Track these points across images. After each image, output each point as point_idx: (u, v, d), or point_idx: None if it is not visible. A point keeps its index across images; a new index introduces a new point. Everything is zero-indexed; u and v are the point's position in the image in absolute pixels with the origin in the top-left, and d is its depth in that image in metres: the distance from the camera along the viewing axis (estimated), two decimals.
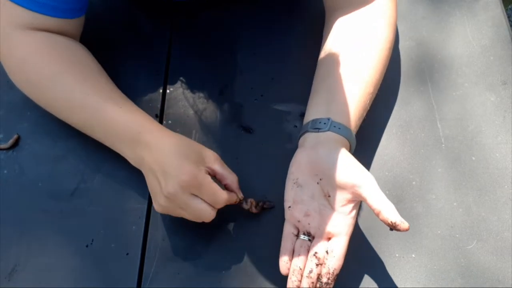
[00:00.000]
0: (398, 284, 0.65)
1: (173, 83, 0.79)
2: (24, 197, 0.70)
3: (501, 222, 0.68)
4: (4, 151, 0.73)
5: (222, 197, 0.62)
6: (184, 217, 0.63)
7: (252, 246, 0.67)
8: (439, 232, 0.68)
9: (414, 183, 0.71)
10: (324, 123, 0.64)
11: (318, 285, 0.60)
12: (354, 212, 0.61)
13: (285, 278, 0.64)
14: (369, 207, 0.59)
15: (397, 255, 0.66)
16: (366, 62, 0.69)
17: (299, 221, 0.63)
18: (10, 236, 0.67)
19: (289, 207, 0.64)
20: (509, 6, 1.54)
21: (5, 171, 0.71)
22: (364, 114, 0.69)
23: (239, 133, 0.75)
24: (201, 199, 0.61)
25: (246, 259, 0.66)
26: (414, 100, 0.78)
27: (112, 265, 0.65)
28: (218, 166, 0.64)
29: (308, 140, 0.65)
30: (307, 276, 0.60)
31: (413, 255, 0.66)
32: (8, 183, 0.71)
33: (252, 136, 0.74)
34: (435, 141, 0.74)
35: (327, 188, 0.62)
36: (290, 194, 0.64)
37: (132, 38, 0.83)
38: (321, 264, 0.60)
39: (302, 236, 0.63)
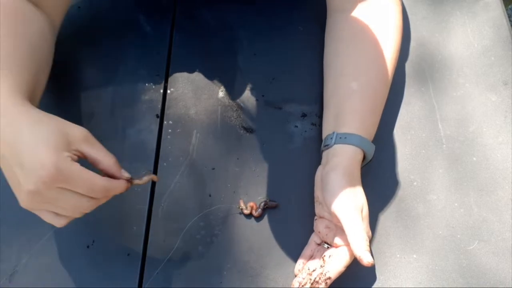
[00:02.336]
0: (399, 285, 0.64)
1: (173, 83, 0.79)
2: None
3: (502, 222, 0.68)
4: None
5: (100, 184, 0.53)
6: (51, 212, 0.55)
7: (253, 247, 0.67)
8: (440, 232, 0.68)
9: (415, 183, 0.71)
10: (331, 138, 0.66)
11: (311, 283, 0.60)
12: None
13: (286, 278, 0.65)
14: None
15: (398, 255, 0.66)
16: (377, 67, 0.69)
17: (319, 232, 0.65)
18: (11, 237, 0.67)
19: (316, 219, 0.67)
20: (509, 6, 1.54)
21: None
22: (379, 115, 0.70)
23: (240, 133, 0.75)
24: (73, 191, 0.52)
25: (247, 259, 0.66)
26: (415, 100, 0.78)
27: (113, 266, 0.65)
28: (87, 147, 0.54)
29: (323, 158, 0.68)
30: (308, 274, 0.62)
31: (414, 256, 0.66)
32: (9, 184, 0.70)
33: (253, 137, 0.74)
34: (436, 141, 0.74)
35: None
36: (316, 209, 0.67)
37: (132, 39, 0.82)
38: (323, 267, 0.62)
39: (324, 245, 0.65)
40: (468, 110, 0.77)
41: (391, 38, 0.72)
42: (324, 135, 0.70)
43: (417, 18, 0.85)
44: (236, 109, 0.76)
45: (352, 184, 0.63)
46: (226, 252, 0.66)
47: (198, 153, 0.73)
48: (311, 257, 0.64)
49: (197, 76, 0.79)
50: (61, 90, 0.77)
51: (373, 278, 0.65)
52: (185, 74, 0.79)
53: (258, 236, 0.67)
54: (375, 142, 0.70)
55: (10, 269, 0.65)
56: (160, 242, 0.67)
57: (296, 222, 0.68)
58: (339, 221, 0.61)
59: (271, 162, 0.72)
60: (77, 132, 0.53)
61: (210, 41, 0.83)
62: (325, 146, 0.67)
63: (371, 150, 0.67)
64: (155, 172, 0.71)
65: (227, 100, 0.77)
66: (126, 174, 0.57)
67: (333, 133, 0.66)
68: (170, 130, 0.75)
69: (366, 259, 0.57)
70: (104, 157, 0.55)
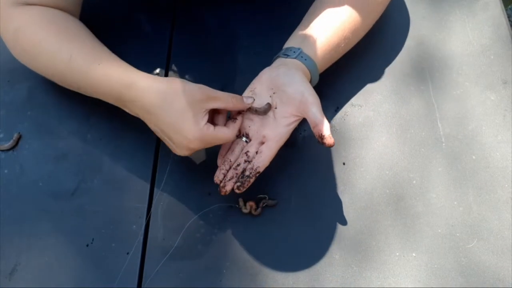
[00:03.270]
0: (398, 283, 0.64)
1: None
2: (25, 197, 0.70)
3: (502, 221, 0.68)
4: (3, 151, 0.73)
5: (231, 136, 0.66)
6: None
7: (252, 245, 0.67)
8: (439, 231, 0.68)
9: (414, 182, 0.71)
10: (294, 52, 0.71)
11: (240, 178, 0.66)
12: (291, 126, 0.67)
13: (285, 277, 0.65)
14: (308, 121, 0.65)
15: (397, 254, 0.66)
16: (350, 12, 0.73)
17: (242, 123, 0.69)
18: (10, 236, 0.67)
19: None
20: (509, 6, 1.54)
21: (6, 171, 0.71)
22: (336, 57, 0.75)
23: None
24: None
25: (246, 258, 0.66)
26: (415, 99, 0.78)
27: (113, 265, 0.65)
28: (210, 104, 0.64)
29: (276, 62, 0.72)
30: (233, 168, 0.67)
31: (414, 254, 0.66)
32: (8, 183, 0.71)
33: None
34: (436, 140, 0.74)
35: (276, 101, 0.68)
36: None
37: (132, 38, 0.83)
38: (249, 162, 0.67)
39: (243, 138, 0.69)
40: (467, 109, 0.77)
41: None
42: (286, 45, 0.73)
43: (416, 17, 0.85)
44: None
45: None
46: (226, 251, 0.66)
47: (198, 152, 0.72)
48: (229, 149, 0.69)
49: (197, 75, 0.79)
50: (62, 89, 0.77)
51: (373, 277, 0.65)
52: (184, 73, 0.79)
53: (258, 234, 0.68)
54: (375, 140, 0.70)
55: (10, 267, 0.65)
56: (159, 241, 0.67)
57: (295, 220, 0.68)
58: (299, 109, 0.66)
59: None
60: (200, 96, 0.63)
61: (210, 41, 0.83)
62: (285, 55, 0.71)
63: (315, 80, 0.72)
64: (154, 171, 0.71)
65: None
66: (249, 101, 0.67)
67: (299, 49, 0.71)
68: None
69: (330, 139, 0.64)
70: (226, 104, 0.65)
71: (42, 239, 0.67)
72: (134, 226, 0.68)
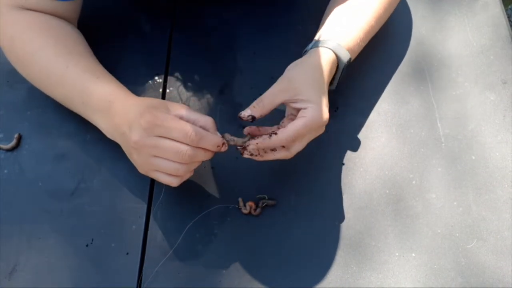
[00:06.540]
0: (398, 283, 0.65)
1: (173, 82, 0.79)
2: (24, 197, 0.70)
3: (501, 221, 0.68)
4: (4, 150, 0.73)
5: (192, 130, 0.58)
6: (161, 170, 0.61)
7: (252, 246, 0.67)
8: (439, 231, 0.68)
9: (414, 182, 0.71)
10: (310, 46, 0.70)
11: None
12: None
13: (285, 277, 0.65)
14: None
15: (397, 254, 0.66)
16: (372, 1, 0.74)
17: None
18: (10, 236, 0.67)
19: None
20: (510, 7, 1.54)
21: (6, 171, 0.71)
22: (364, 42, 0.74)
23: (239, 132, 0.75)
24: (170, 139, 0.58)
25: (246, 258, 0.66)
26: (414, 99, 0.78)
27: (112, 265, 0.65)
28: (185, 111, 0.60)
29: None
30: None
31: (413, 254, 0.66)
32: (8, 183, 0.71)
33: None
34: (435, 140, 0.74)
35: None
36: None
37: (132, 38, 0.83)
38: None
39: None
40: (467, 109, 0.77)
41: None
42: (316, 37, 0.72)
43: (416, 17, 0.85)
44: (235, 108, 0.76)
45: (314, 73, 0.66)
46: (225, 251, 0.66)
47: None
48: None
49: (197, 75, 0.79)
50: None
51: (372, 277, 0.65)
52: (184, 73, 0.79)
53: (257, 235, 0.68)
54: (374, 140, 0.70)
55: (9, 267, 0.65)
56: (159, 241, 0.67)
57: (294, 220, 0.68)
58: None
59: (270, 161, 0.72)
60: (177, 104, 0.62)
61: (209, 40, 0.83)
62: (304, 52, 0.71)
63: (344, 55, 0.69)
64: None
65: (226, 99, 0.77)
66: (220, 136, 0.62)
67: (313, 42, 0.70)
68: None
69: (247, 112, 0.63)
70: (201, 117, 0.61)
71: (42, 239, 0.67)
72: (134, 226, 0.68)
